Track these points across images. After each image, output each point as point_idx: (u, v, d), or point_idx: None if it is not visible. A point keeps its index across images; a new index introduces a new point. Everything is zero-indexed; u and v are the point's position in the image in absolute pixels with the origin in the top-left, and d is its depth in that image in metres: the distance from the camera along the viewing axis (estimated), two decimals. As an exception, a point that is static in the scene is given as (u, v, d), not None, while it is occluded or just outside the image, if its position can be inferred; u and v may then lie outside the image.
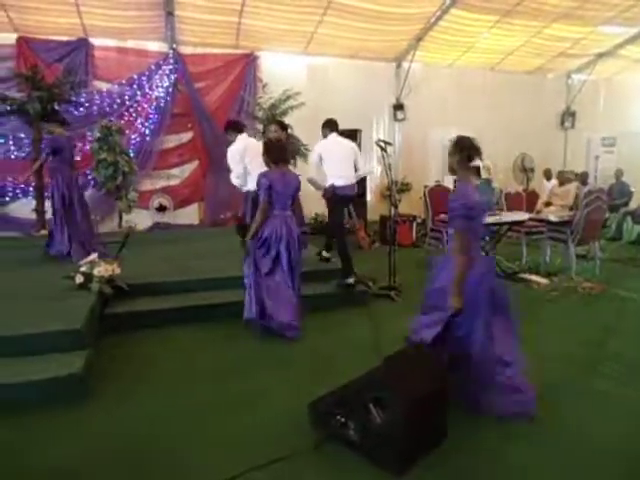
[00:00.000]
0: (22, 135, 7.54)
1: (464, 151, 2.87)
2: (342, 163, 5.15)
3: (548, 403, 2.99)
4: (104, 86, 8.15)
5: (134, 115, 8.26)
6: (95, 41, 7.99)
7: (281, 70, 9.04)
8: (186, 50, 8.51)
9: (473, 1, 8.12)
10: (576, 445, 2.59)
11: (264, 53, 9.02)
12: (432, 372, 2.63)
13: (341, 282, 4.99)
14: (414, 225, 8.43)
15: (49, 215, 7.62)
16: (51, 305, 3.89)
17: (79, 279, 4.22)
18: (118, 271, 4.40)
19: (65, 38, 7.82)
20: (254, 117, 8.46)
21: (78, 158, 7.92)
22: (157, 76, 8.34)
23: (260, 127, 8.27)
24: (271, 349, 3.85)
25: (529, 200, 8.01)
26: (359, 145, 8.47)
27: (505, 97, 10.73)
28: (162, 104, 8.35)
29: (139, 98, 8.25)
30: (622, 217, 8.83)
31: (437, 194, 7.23)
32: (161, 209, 8.43)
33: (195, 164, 8.80)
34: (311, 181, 5.31)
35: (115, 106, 8.12)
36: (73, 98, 7.53)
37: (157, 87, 8.35)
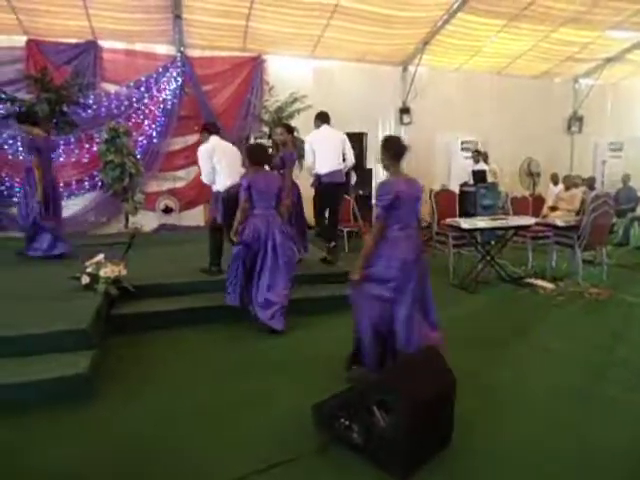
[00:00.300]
0: (31, 137, 7.58)
1: (392, 150, 3.22)
2: (329, 153, 5.50)
3: (555, 408, 2.98)
4: (112, 88, 8.20)
5: (141, 117, 8.30)
6: (103, 44, 8.05)
7: (288, 73, 9.07)
8: (194, 53, 8.56)
9: (480, 5, 8.11)
10: (584, 451, 2.57)
11: (271, 56, 9.05)
12: (438, 375, 2.62)
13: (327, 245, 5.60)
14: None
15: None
16: (57, 305, 3.91)
17: (85, 280, 4.24)
18: (124, 272, 4.42)
19: (74, 41, 7.88)
20: (260, 120, 8.50)
21: (85, 160, 8.03)
22: (165, 78, 8.39)
23: (266, 130, 8.31)
24: (276, 351, 3.85)
25: (535, 204, 7.99)
26: (365, 148, 8.52)
27: (512, 101, 10.70)
28: (169, 106, 8.40)
29: (146, 100, 8.30)
30: (629, 222, 8.77)
31: (443, 198, 7.24)
32: (167, 211, 8.46)
33: (201, 166, 8.82)
34: (309, 169, 5.69)
35: (123, 108, 8.17)
36: (81, 100, 7.59)
37: (164, 89, 8.39)
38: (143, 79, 8.27)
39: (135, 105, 8.22)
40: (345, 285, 5.10)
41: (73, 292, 4.20)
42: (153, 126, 8.35)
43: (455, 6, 8.17)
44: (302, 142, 7.60)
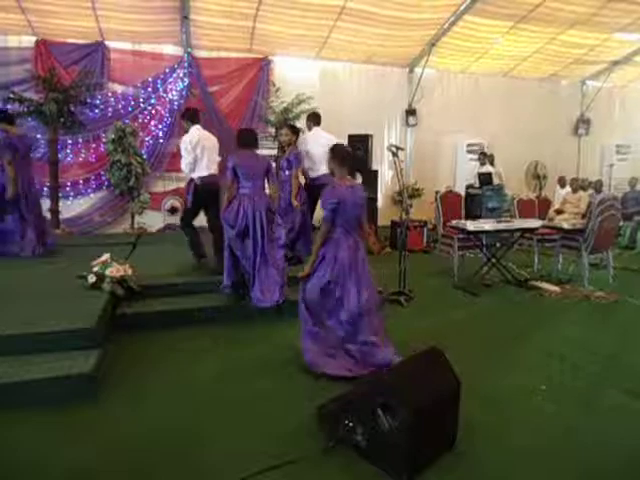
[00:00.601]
0: (38, 136, 7.65)
1: (338, 157, 3.52)
2: (320, 156, 5.43)
3: (560, 414, 2.97)
4: (119, 88, 8.25)
5: (148, 117, 8.35)
6: (111, 44, 8.11)
7: (294, 74, 9.10)
8: (200, 54, 8.61)
9: (488, 7, 8.09)
10: (589, 457, 2.56)
11: (277, 57, 9.09)
12: (443, 377, 2.61)
13: None
14: (425, 231, 8.40)
15: (64, 215, 7.77)
16: (63, 304, 3.93)
17: (92, 279, 4.26)
18: (130, 272, 4.44)
19: (82, 41, 7.94)
20: (266, 121, 8.52)
21: (92, 159, 8.08)
22: (171, 79, 8.43)
23: (272, 131, 8.33)
24: (281, 351, 3.85)
25: (541, 207, 7.95)
26: (370, 150, 8.51)
27: (518, 104, 10.67)
28: (176, 107, 8.44)
29: (153, 101, 8.35)
30: (636, 225, 8.72)
31: (449, 200, 7.21)
32: (173, 211, 8.49)
33: (207, 167, 8.85)
34: (304, 171, 5.72)
35: (130, 108, 8.23)
36: (89, 100, 7.65)
37: (171, 90, 8.44)
38: (150, 80, 8.32)
39: (142, 105, 8.27)
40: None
41: (79, 291, 4.22)
42: (160, 126, 8.40)
43: (462, 8, 8.16)
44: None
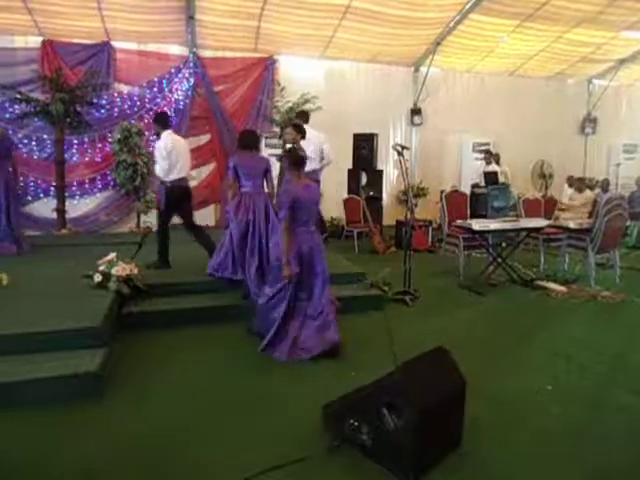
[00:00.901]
0: (45, 136, 7.70)
1: (291, 159, 3.91)
2: (311, 154, 5.59)
3: (566, 414, 2.95)
4: (125, 88, 8.28)
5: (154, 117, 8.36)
6: (117, 44, 8.13)
7: (299, 74, 9.09)
8: (206, 54, 8.62)
9: (494, 5, 8.06)
10: (595, 457, 2.54)
11: (282, 57, 9.09)
12: (448, 377, 2.61)
13: None
14: (430, 230, 8.38)
15: (70, 215, 7.82)
16: (69, 303, 3.96)
17: (98, 278, 4.28)
18: (135, 271, 4.46)
19: (88, 41, 7.97)
20: (271, 120, 8.52)
21: (98, 159, 8.12)
22: (177, 79, 8.45)
23: (277, 130, 8.33)
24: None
25: (547, 206, 7.92)
26: (375, 149, 8.51)
27: (524, 102, 10.62)
28: (181, 107, 8.46)
29: (159, 101, 8.37)
30: (644, 225, 8.65)
31: (454, 199, 7.19)
32: (178, 210, 8.50)
33: (212, 166, 8.88)
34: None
35: (135, 108, 8.26)
36: (95, 100, 7.69)
37: (177, 90, 8.46)
38: (156, 79, 8.34)
39: (148, 105, 8.30)
40: (355, 285, 5.17)
41: (85, 290, 4.25)
42: (165, 126, 8.41)
43: (468, 6, 8.13)
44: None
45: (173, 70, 8.44)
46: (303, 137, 5.78)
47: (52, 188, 7.71)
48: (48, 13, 7.31)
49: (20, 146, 7.66)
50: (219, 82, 8.73)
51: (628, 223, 7.57)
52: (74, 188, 8.03)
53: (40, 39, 7.73)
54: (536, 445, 2.63)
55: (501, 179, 8.38)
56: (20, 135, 7.63)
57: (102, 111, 8.03)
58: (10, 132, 7.23)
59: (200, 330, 4.18)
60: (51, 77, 7.27)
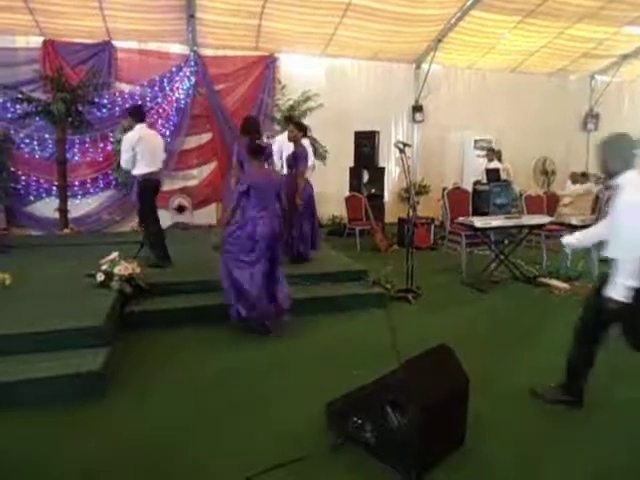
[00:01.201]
0: (46, 136, 7.71)
1: (249, 148, 4.21)
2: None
3: (570, 412, 2.95)
4: (126, 88, 8.28)
5: (155, 116, 8.35)
6: (118, 44, 8.13)
7: (300, 72, 9.08)
8: (207, 52, 8.61)
9: (495, 2, 8.02)
10: (601, 455, 2.54)
11: (283, 55, 9.07)
12: (451, 375, 2.60)
13: None
14: (432, 227, 8.37)
15: (72, 214, 7.82)
16: (72, 303, 3.96)
17: (100, 277, 4.29)
18: (138, 270, 4.46)
19: (89, 41, 7.97)
20: (272, 118, 8.51)
21: (100, 159, 8.12)
22: (178, 78, 8.44)
23: (279, 128, 8.32)
24: (287, 349, 3.86)
25: (549, 203, 7.90)
26: (377, 146, 8.50)
27: (526, 99, 10.58)
28: (182, 105, 8.45)
29: (160, 100, 8.36)
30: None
31: (456, 196, 7.19)
32: (180, 209, 8.52)
33: (213, 165, 8.88)
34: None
35: (136, 107, 8.25)
36: (96, 99, 7.69)
37: (178, 89, 8.46)
38: (157, 79, 8.33)
39: (149, 104, 8.28)
40: (357, 283, 5.17)
41: (88, 289, 4.25)
42: (166, 125, 8.41)
43: (469, 3, 8.09)
44: (315, 141, 7.65)
45: (174, 69, 8.43)
46: (305, 135, 5.78)
47: (54, 188, 7.72)
48: (49, 13, 7.30)
49: (22, 146, 7.68)
50: (220, 81, 8.72)
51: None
52: (76, 188, 8.04)
53: (41, 39, 7.73)
54: (539, 443, 2.62)
55: (503, 176, 8.36)
56: (22, 135, 7.64)
57: (103, 110, 8.02)
58: (12, 132, 7.24)
59: (202, 329, 4.19)
60: (52, 77, 7.27)
